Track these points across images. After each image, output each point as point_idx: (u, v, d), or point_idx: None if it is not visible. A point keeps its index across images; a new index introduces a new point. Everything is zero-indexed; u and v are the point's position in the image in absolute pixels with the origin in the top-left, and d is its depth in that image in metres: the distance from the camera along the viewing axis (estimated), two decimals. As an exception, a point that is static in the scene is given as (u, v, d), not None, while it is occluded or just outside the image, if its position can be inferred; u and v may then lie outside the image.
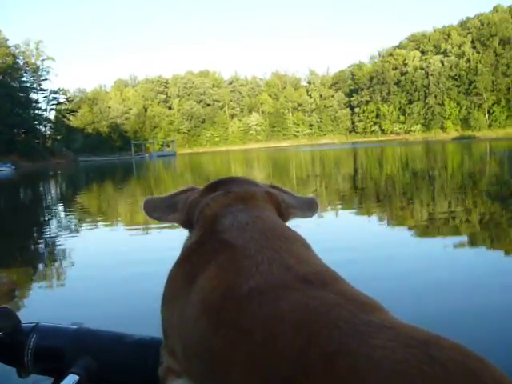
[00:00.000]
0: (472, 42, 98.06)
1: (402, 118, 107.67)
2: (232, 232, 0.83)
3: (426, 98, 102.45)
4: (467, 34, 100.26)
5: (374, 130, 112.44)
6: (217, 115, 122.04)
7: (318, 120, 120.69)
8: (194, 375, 0.77)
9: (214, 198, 0.95)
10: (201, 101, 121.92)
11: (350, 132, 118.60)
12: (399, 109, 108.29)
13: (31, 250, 8.96)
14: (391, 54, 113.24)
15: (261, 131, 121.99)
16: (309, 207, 1.07)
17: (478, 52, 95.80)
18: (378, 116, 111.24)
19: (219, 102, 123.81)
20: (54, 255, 8.09)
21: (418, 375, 0.50)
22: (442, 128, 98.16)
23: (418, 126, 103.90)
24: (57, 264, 7.34)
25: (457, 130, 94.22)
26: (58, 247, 8.66)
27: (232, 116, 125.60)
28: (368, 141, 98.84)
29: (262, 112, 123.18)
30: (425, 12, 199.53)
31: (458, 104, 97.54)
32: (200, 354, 0.72)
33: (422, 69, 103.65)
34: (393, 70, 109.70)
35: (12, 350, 0.98)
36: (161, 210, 1.00)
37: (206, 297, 0.74)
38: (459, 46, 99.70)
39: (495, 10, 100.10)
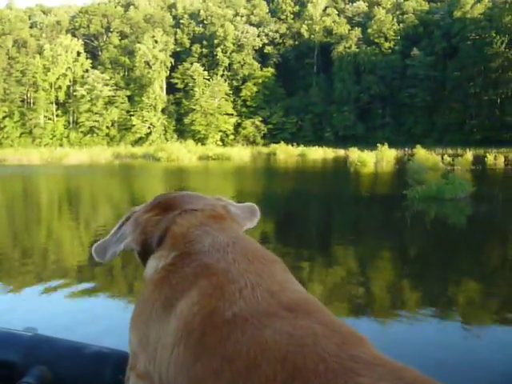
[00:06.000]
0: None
1: None
2: (213, 254, 0.79)
3: None
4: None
5: None
6: None
7: None
8: None
9: (179, 215, 0.89)
10: None
11: None
12: None
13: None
14: None
15: None
16: (252, 215, 1.04)
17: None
18: None
19: None
20: None
21: None
22: None
23: None
24: None
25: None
26: None
27: None
28: None
29: None
30: None
31: None
32: (178, 382, 0.67)
33: None
34: None
35: None
36: (112, 247, 0.93)
37: (187, 323, 0.70)
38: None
39: (9, 7, 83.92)
